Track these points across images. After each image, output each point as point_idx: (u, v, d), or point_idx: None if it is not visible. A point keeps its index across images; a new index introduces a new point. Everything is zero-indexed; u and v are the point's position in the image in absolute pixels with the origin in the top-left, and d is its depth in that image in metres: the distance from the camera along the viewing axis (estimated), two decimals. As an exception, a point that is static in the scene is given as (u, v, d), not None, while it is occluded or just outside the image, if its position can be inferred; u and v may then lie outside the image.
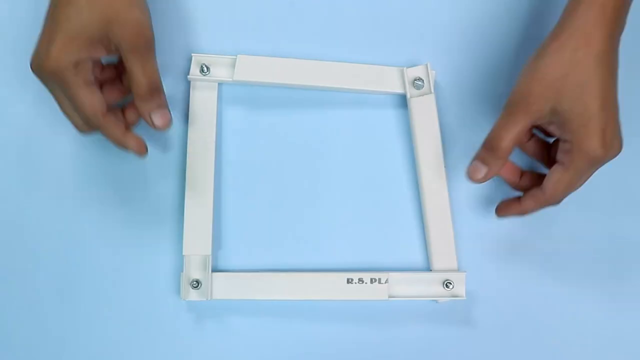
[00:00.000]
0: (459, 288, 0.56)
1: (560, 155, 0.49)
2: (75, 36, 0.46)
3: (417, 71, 0.57)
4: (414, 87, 0.57)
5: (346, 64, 0.57)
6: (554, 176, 0.49)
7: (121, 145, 0.50)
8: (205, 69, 0.56)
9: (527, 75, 0.48)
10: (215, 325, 0.57)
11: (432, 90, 0.57)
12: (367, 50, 0.59)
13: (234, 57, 0.56)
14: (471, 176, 0.51)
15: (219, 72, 0.57)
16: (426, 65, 0.57)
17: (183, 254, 0.55)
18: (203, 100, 0.57)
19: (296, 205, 0.58)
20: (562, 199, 0.50)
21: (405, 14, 0.59)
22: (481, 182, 0.51)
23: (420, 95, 0.57)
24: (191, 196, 0.55)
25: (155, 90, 0.50)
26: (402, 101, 0.59)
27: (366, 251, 0.58)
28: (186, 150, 0.56)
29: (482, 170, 0.51)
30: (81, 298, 0.56)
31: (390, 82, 0.58)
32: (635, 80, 0.58)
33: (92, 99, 0.48)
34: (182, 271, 0.55)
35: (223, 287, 0.55)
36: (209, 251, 0.55)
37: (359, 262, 0.57)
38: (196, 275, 0.55)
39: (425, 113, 0.57)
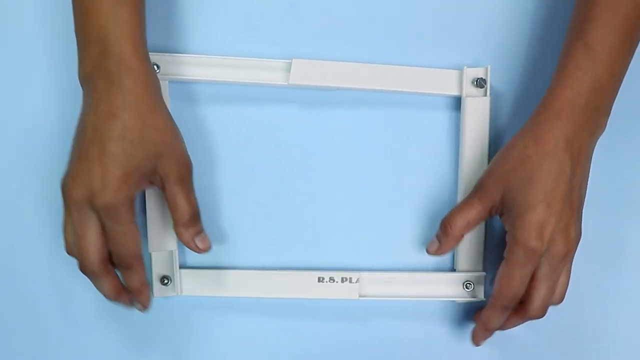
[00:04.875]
0: (478, 290, 0.55)
1: (505, 252, 0.50)
2: (132, 172, 0.46)
3: (478, 72, 0.56)
4: (474, 85, 0.55)
5: (395, 67, 0.56)
6: (498, 273, 0.50)
7: (138, 293, 0.50)
8: (155, 67, 0.54)
9: (487, 168, 0.52)
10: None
11: (489, 94, 0.55)
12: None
13: (184, 55, 0.55)
14: (427, 248, 0.54)
15: (168, 70, 0.54)
16: (487, 67, 0.55)
17: (149, 251, 0.54)
18: None
19: (304, 204, 0.57)
20: (512, 296, 0.49)
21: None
22: (437, 255, 0.53)
23: (476, 96, 0.55)
24: (150, 193, 0.54)
25: (197, 217, 0.51)
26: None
27: (382, 252, 0.57)
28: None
29: (435, 245, 0.53)
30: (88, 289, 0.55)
31: (442, 84, 0.56)
32: (636, 81, 0.57)
33: (136, 237, 0.48)
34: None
35: (192, 283, 0.55)
36: (174, 246, 0.54)
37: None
38: (164, 271, 0.54)
39: (478, 114, 0.55)
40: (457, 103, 0.57)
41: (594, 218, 0.56)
